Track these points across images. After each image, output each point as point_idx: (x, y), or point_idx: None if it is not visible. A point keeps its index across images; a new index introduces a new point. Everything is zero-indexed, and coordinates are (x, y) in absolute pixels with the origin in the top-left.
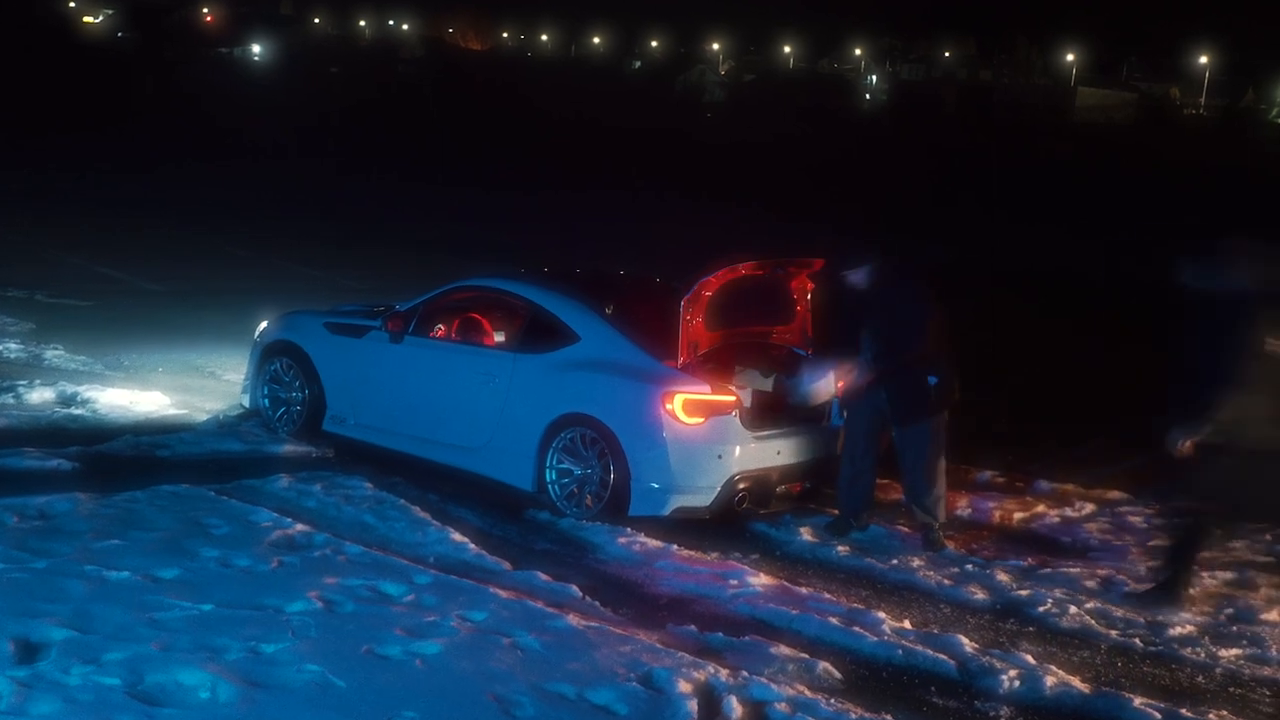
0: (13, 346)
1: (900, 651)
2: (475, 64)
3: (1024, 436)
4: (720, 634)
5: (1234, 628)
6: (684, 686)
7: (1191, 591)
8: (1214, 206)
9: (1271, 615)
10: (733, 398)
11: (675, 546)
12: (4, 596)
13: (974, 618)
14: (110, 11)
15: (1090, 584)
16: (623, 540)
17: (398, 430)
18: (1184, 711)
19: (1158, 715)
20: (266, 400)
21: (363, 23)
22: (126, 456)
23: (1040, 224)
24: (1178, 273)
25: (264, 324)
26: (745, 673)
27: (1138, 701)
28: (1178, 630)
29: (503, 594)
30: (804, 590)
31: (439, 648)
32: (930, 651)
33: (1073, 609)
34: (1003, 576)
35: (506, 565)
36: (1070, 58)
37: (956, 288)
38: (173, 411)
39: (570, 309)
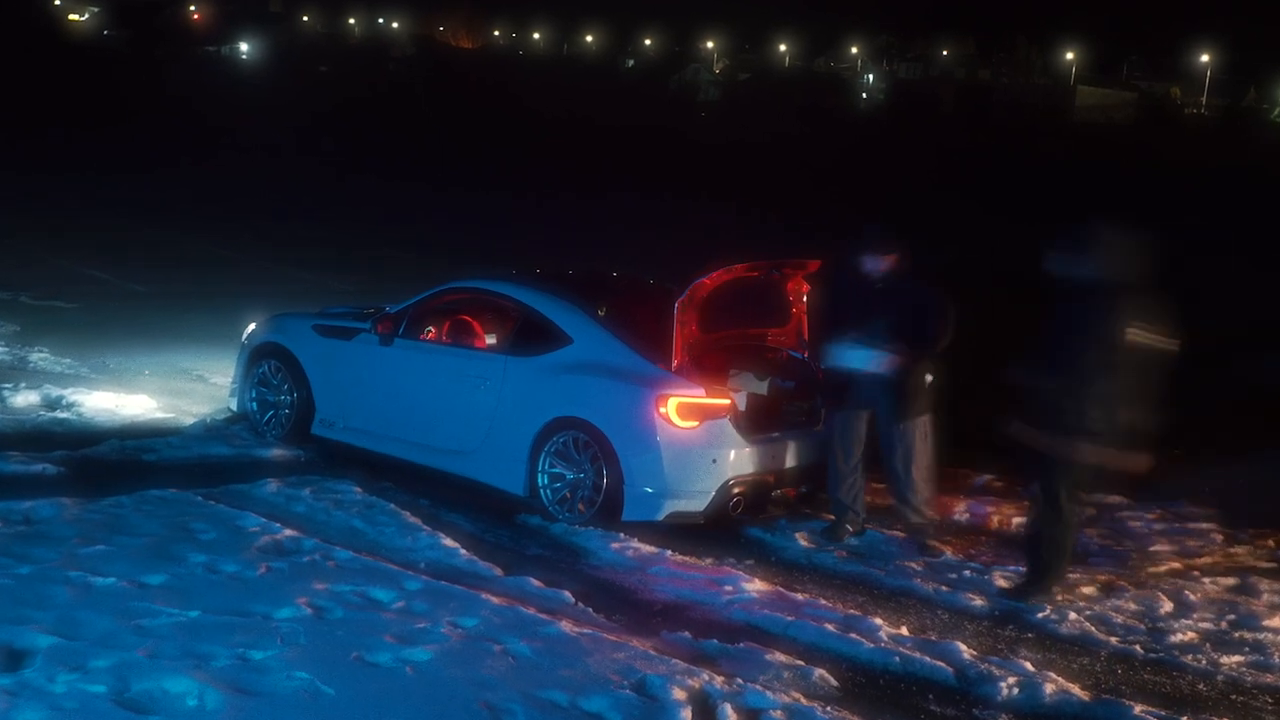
0: None
1: (897, 658)
2: (466, 63)
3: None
4: (715, 641)
5: (1236, 634)
6: (678, 694)
7: (1057, 586)
8: (1215, 207)
9: (1274, 622)
10: (727, 401)
11: (669, 552)
12: None
13: (972, 624)
14: (96, 9)
15: (1089, 590)
16: (616, 546)
17: (388, 434)
18: (1185, 719)
19: None
20: (254, 403)
21: (352, 21)
22: (112, 461)
23: (1039, 224)
24: (1044, 261)
25: (252, 326)
26: (740, 680)
27: (1138, 709)
28: (1179, 637)
29: (494, 600)
30: (800, 596)
31: (429, 655)
32: (928, 658)
33: (1072, 615)
34: (1001, 582)
35: (498, 571)
36: (1070, 57)
37: (953, 288)
38: (159, 415)
39: (562, 311)
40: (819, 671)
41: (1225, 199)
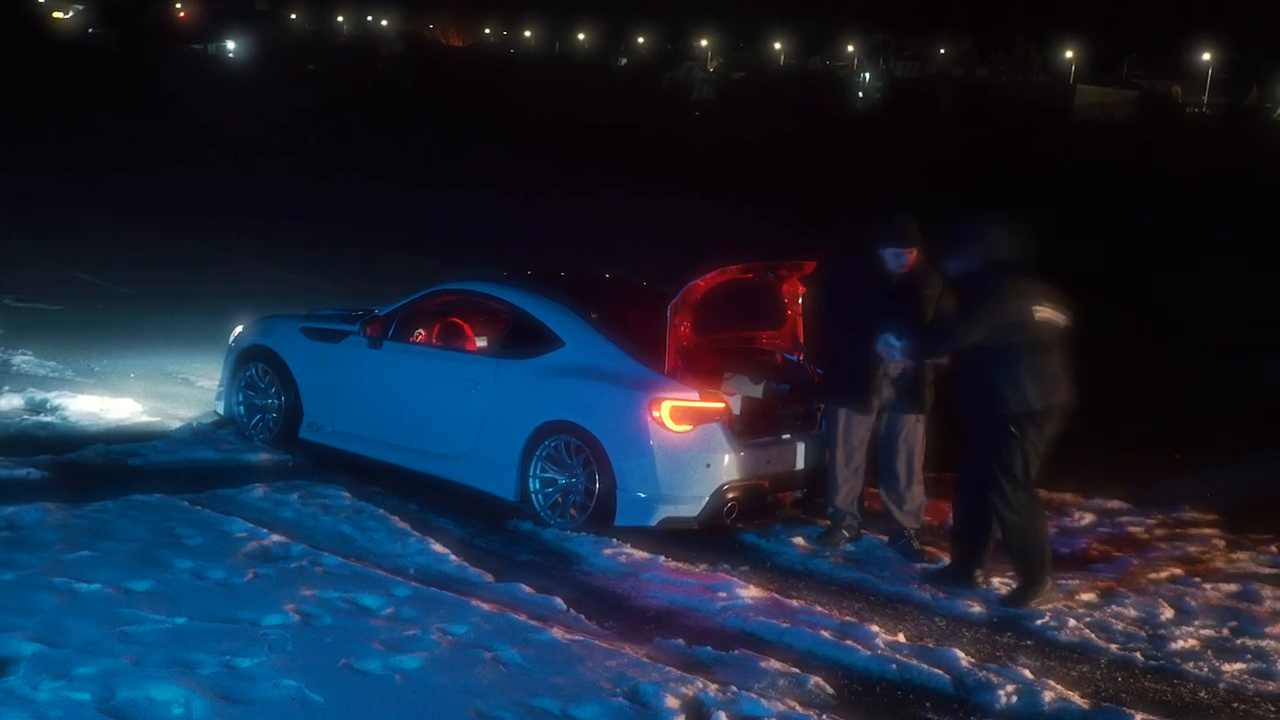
0: None
1: (894, 666)
2: (456, 61)
3: None
4: (709, 648)
5: (1238, 641)
6: (671, 702)
7: (980, 572)
8: (1216, 206)
9: (1277, 629)
10: (721, 405)
11: (662, 558)
12: None
13: (970, 631)
14: (80, 7)
15: (1089, 596)
16: (608, 551)
17: (377, 438)
18: None
19: None
20: (242, 407)
21: (340, 19)
22: (97, 465)
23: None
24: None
25: (239, 329)
26: (735, 688)
27: (1139, 717)
28: (1180, 644)
29: (485, 607)
30: (795, 603)
31: (419, 662)
32: (925, 666)
33: (1071, 622)
34: (999, 588)
35: (489, 577)
36: (1069, 55)
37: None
38: (145, 419)
39: (554, 313)
40: (814, 679)
41: (1226, 198)
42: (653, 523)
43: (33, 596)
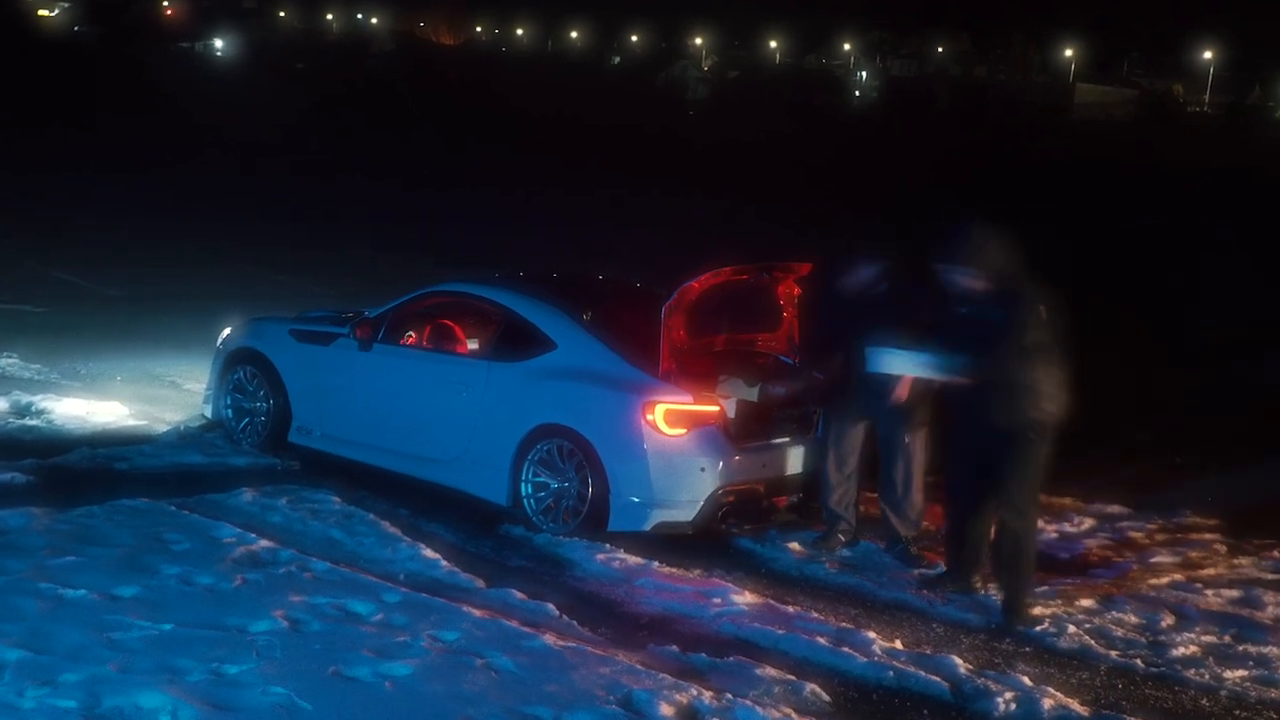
0: None
1: (891, 673)
2: (447, 59)
3: None
4: (703, 655)
5: (1240, 648)
6: (665, 709)
7: (978, 578)
8: (1217, 206)
9: (1279, 635)
10: (716, 408)
11: (656, 563)
12: None
13: (968, 637)
14: (66, 4)
15: (1089, 602)
16: (601, 557)
17: (367, 442)
18: None
19: None
20: (230, 411)
21: (330, 16)
22: (83, 469)
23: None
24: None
25: (227, 331)
26: (729, 695)
27: None
28: (1181, 650)
29: (476, 613)
30: (791, 609)
31: (409, 669)
32: (922, 673)
33: (1071, 628)
34: (998, 595)
35: (480, 583)
36: (1069, 53)
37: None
38: (132, 422)
39: (546, 315)
40: (811, 686)
41: (1227, 198)
42: (646, 528)
43: (18, 602)
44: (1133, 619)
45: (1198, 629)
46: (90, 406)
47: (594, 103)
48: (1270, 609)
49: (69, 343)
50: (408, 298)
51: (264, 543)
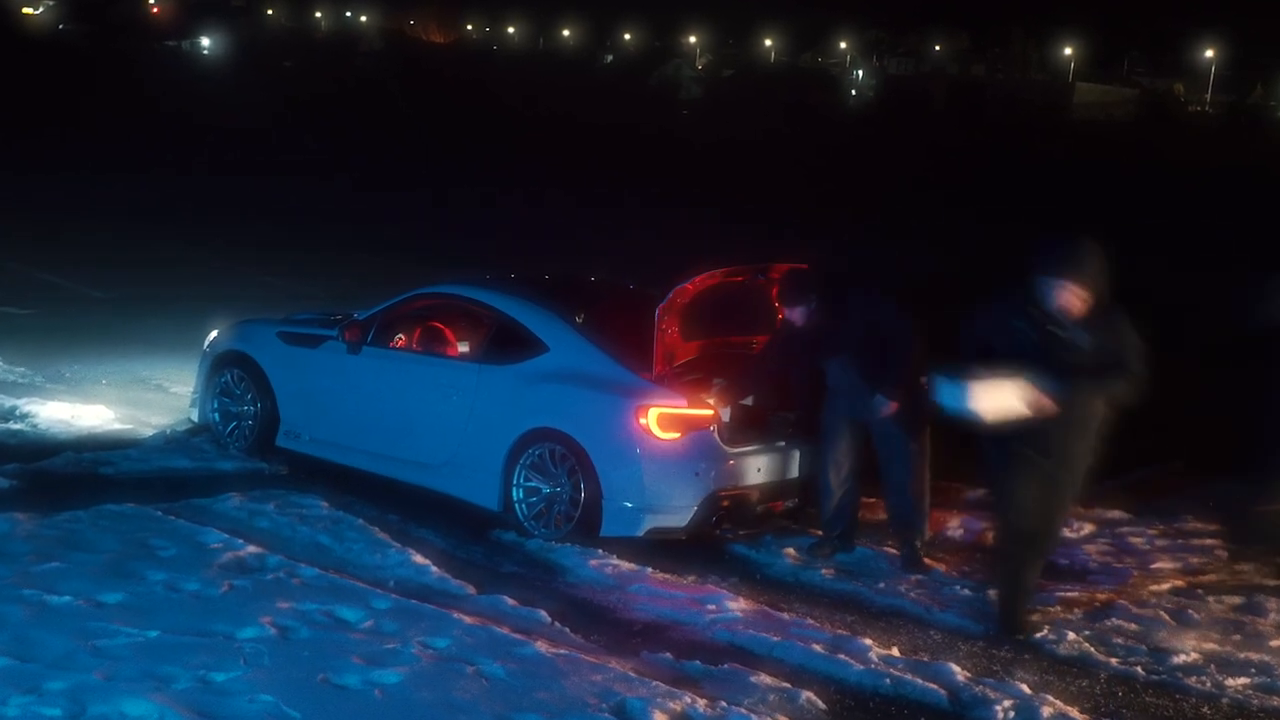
0: None
1: (888, 680)
2: (438, 58)
3: None
4: (697, 662)
5: (1242, 655)
6: (659, 717)
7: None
8: (1217, 208)
9: None
10: (711, 412)
11: (650, 569)
12: None
13: (966, 644)
14: (51, 3)
15: (1089, 609)
16: (594, 562)
17: (356, 446)
18: None
19: None
20: (217, 414)
21: (319, 14)
22: (68, 474)
23: (1035, 227)
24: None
25: (214, 333)
26: (724, 703)
27: None
28: (1182, 658)
29: (467, 619)
30: (786, 615)
31: (399, 677)
32: (920, 680)
33: (1070, 635)
34: (997, 601)
35: (471, 589)
36: (1068, 52)
37: (948, 295)
38: (117, 426)
39: (538, 317)
40: (806, 694)
41: (1228, 199)
42: (640, 533)
43: (1, 609)
44: (1133, 626)
45: (1199, 636)
46: (75, 410)
47: (587, 102)
48: (1272, 615)
49: (54, 345)
50: (397, 300)
51: (251, 548)
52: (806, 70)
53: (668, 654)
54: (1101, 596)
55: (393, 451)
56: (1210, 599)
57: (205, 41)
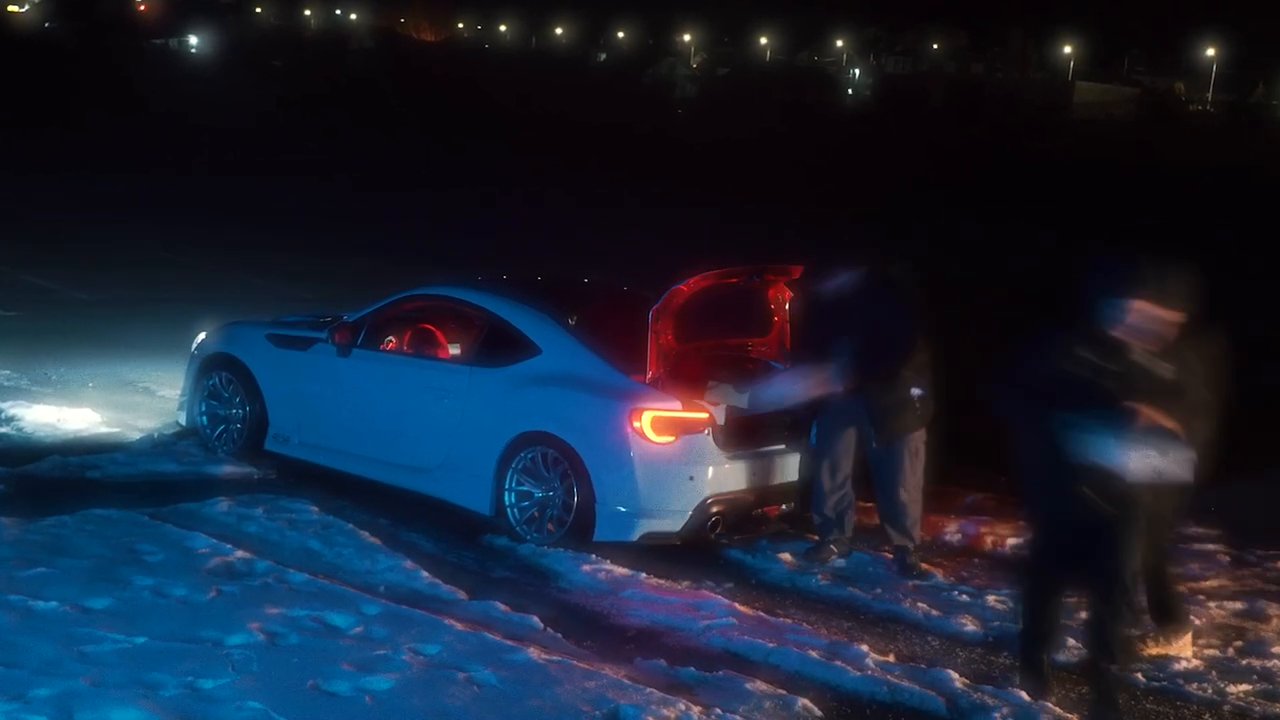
0: None
1: (885, 687)
2: (429, 56)
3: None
4: (692, 669)
5: (1244, 662)
6: None
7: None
8: (1217, 208)
9: None
10: (705, 415)
11: (643, 575)
12: None
13: (964, 651)
14: (36, 0)
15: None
16: (587, 568)
17: (346, 450)
18: None
19: None
20: (205, 417)
21: (308, 12)
22: (54, 478)
23: (1035, 227)
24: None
25: (202, 336)
26: (719, 710)
27: None
28: (1183, 664)
29: (458, 626)
30: (782, 621)
31: (390, 683)
32: (917, 687)
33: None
34: (995, 606)
35: (462, 595)
36: (1068, 50)
37: (948, 296)
38: (104, 429)
39: (530, 319)
40: (802, 701)
41: (1228, 199)
42: (634, 538)
43: None
44: (1133, 631)
45: (1201, 642)
46: (61, 413)
47: (581, 101)
48: (1275, 621)
49: (40, 348)
50: (387, 301)
51: (240, 553)
52: (803, 69)
53: (662, 660)
54: None
55: (383, 455)
56: (1211, 604)
57: (193, 40)
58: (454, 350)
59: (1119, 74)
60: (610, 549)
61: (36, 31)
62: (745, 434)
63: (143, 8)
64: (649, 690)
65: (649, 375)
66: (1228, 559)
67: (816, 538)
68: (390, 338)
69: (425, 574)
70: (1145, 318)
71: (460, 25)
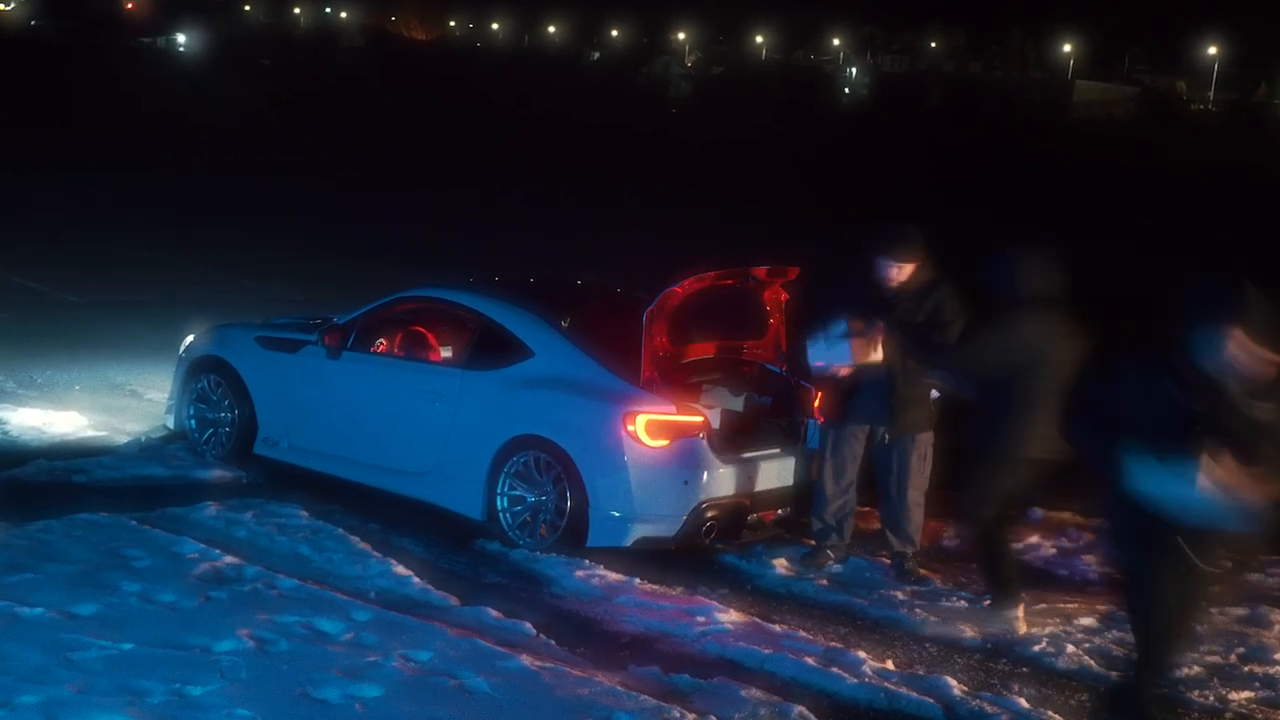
0: None
1: (883, 694)
2: (420, 55)
3: None
4: (686, 675)
5: (1245, 668)
6: None
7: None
8: (1218, 209)
9: None
10: (700, 418)
11: (637, 580)
12: None
13: (963, 657)
14: None
15: (1088, 620)
16: (580, 573)
17: (336, 454)
18: None
19: None
20: (193, 421)
21: (297, 10)
22: (40, 482)
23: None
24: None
25: (190, 338)
26: (714, 717)
27: None
28: (1184, 671)
29: (450, 632)
30: (778, 628)
31: (380, 690)
32: (915, 694)
33: (1070, 648)
34: (986, 604)
35: (454, 600)
36: (1068, 49)
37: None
38: (91, 433)
39: (523, 321)
40: (799, 708)
41: (1229, 199)
42: (627, 543)
43: None
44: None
45: (1202, 648)
46: (48, 417)
47: (577, 100)
48: (1277, 628)
49: (26, 350)
50: (378, 303)
51: (228, 559)
52: (799, 68)
53: (656, 667)
54: (1101, 608)
55: (374, 459)
56: (1213, 610)
57: (181, 38)
58: (446, 353)
59: (1119, 73)
60: (604, 554)
61: (23, 29)
62: (740, 437)
63: (130, 6)
64: (643, 697)
65: (643, 378)
66: (1230, 565)
67: (813, 542)
68: (381, 340)
69: (416, 579)
70: (1245, 351)
71: (452, 24)
